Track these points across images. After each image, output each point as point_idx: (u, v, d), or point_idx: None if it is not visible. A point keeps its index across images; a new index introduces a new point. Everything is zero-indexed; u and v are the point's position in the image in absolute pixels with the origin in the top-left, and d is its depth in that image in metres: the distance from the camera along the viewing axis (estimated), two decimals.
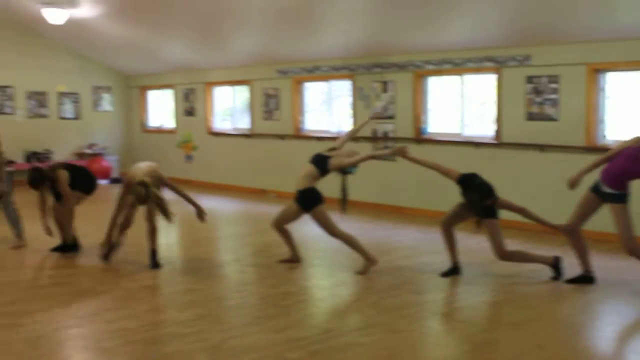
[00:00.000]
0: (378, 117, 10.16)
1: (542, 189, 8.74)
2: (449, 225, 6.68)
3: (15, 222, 8.02)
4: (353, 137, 7.54)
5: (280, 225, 7.06)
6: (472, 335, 5.14)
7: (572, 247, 6.45)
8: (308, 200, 6.79)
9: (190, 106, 14.54)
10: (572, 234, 6.37)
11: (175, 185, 7.36)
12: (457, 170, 6.55)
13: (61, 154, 14.86)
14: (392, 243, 8.37)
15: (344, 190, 7.11)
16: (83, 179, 7.83)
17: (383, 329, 5.17)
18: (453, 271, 6.68)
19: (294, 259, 7.16)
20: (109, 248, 7.25)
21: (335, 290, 6.37)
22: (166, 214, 6.90)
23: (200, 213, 7.36)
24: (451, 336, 5.27)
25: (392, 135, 10.62)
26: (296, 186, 6.86)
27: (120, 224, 7.20)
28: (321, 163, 6.81)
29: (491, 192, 6.32)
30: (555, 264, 6.55)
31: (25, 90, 14.55)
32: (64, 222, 7.64)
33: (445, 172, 6.58)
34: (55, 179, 7.45)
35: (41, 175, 7.48)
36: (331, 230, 6.86)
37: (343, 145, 7.19)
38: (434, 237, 8.27)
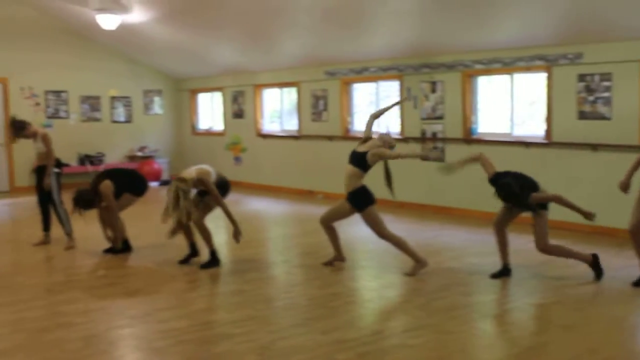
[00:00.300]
0: (404, 100, 10.06)
1: (595, 189, 8.58)
2: (501, 226, 6.60)
3: (64, 221, 8.21)
4: (377, 118, 7.44)
5: (328, 222, 7.03)
6: (522, 338, 5.08)
7: (636, 248, 6.30)
8: (360, 200, 6.77)
9: (239, 108, 14.67)
10: (637, 234, 6.22)
11: (219, 197, 7.14)
12: (494, 168, 6.50)
13: (113, 156, 15.18)
14: (439, 244, 8.32)
15: (387, 173, 7.03)
16: (132, 181, 7.96)
17: (432, 331, 5.14)
18: (503, 272, 6.61)
19: (337, 259, 7.14)
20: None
21: (383, 291, 6.36)
22: (188, 214, 6.93)
23: (236, 233, 7.16)
24: (501, 338, 5.20)
25: (440, 136, 10.55)
26: (345, 189, 6.84)
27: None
28: (360, 161, 6.77)
29: (514, 192, 6.22)
30: (594, 262, 6.46)
31: (79, 95, 14.89)
32: (114, 225, 7.78)
33: (484, 166, 6.54)
34: (99, 194, 7.60)
35: (89, 198, 7.64)
36: (381, 231, 6.83)
37: (370, 131, 7.11)
38: (482, 238, 8.22)
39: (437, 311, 5.60)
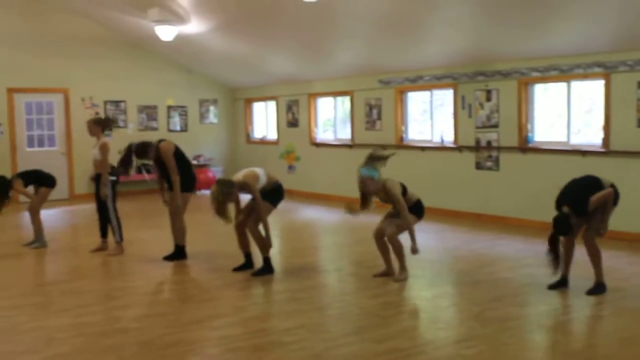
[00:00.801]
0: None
1: None
2: (572, 236, 6.45)
3: (115, 228, 8.42)
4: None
5: (381, 237, 7.02)
6: (579, 351, 4.99)
7: None
8: (415, 214, 6.87)
9: (293, 117, 14.77)
10: None
11: (259, 203, 7.08)
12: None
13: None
14: (494, 254, 8.22)
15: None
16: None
17: (486, 342, 5.08)
18: (561, 283, 6.48)
19: (387, 273, 7.08)
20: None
21: (436, 301, 6.31)
22: (228, 217, 6.99)
23: (266, 245, 7.24)
24: (557, 351, 5.10)
25: (495, 145, 10.44)
26: None
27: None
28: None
29: (565, 225, 6.16)
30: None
31: (136, 104, 15.21)
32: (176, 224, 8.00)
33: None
34: (159, 150, 7.89)
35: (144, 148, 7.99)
36: (395, 234, 6.88)
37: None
38: (538, 248, 8.07)
39: (492, 322, 5.54)
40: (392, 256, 6.99)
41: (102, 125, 8.53)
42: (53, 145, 14.32)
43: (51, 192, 9.00)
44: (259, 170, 7.25)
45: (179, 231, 8.04)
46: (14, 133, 13.76)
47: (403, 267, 6.95)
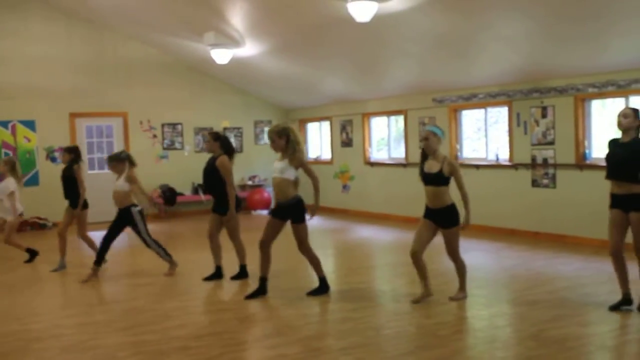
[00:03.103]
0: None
1: None
2: (619, 252, 6.31)
3: (162, 253, 8.67)
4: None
5: (422, 252, 6.80)
6: None
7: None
8: (455, 218, 6.75)
9: (347, 137, 14.83)
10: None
11: None
12: None
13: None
14: (552, 272, 8.09)
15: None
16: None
17: None
18: (623, 302, 6.32)
19: (426, 294, 6.86)
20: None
21: (493, 320, 6.23)
22: None
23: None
24: None
25: (551, 162, 10.30)
26: (433, 205, 6.76)
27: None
28: (440, 179, 6.67)
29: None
30: None
31: (193, 127, 15.48)
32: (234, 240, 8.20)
33: None
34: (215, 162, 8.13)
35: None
36: (457, 252, 6.78)
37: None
38: (598, 267, 7.95)
39: (550, 342, 5.45)
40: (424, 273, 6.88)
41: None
42: None
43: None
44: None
45: (240, 251, 8.20)
46: None
47: (463, 286, 6.89)
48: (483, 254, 9.48)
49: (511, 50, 9.73)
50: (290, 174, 7.07)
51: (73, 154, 9.34)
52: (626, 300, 6.32)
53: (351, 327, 6.04)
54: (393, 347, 5.52)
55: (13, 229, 9.59)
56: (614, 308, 6.29)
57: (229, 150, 8.21)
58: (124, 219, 8.46)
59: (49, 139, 13.95)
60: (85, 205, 9.24)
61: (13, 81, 13.58)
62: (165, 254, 8.62)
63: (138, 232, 8.50)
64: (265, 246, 7.13)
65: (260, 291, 7.22)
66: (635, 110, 6.17)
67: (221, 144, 8.20)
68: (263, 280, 7.24)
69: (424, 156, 6.84)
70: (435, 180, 6.66)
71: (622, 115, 6.18)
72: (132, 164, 8.61)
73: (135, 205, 8.52)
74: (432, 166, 6.72)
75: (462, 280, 6.92)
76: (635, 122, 6.14)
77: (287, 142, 7.05)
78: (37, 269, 9.42)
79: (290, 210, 7.06)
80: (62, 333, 6.10)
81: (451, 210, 6.71)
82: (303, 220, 7.08)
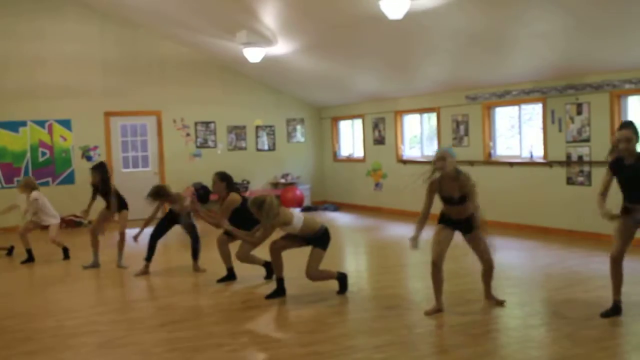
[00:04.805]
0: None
1: None
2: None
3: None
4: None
5: (443, 259, 6.68)
6: None
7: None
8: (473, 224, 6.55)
9: (380, 135, 14.80)
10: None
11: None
12: None
13: (257, 184, 15.76)
14: (588, 272, 7.99)
15: None
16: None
17: None
18: (614, 310, 6.16)
19: (439, 309, 6.44)
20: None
21: (527, 319, 6.18)
22: None
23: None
24: None
25: (587, 159, 10.17)
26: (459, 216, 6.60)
27: None
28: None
29: None
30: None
31: (226, 125, 15.57)
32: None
33: None
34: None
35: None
36: (487, 250, 6.55)
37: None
38: (633, 266, 7.82)
39: (586, 341, 5.38)
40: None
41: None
42: (146, 166, 14.82)
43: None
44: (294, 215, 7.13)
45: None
46: (110, 155, 14.32)
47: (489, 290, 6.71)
48: (517, 253, 9.39)
49: (545, 46, 9.62)
50: (294, 227, 7.03)
51: (102, 169, 9.43)
52: (616, 308, 6.12)
53: (384, 326, 6.04)
54: (426, 346, 5.50)
55: (57, 233, 10.14)
56: (606, 315, 6.06)
57: (234, 189, 8.26)
58: (175, 219, 8.81)
59: (84, 138, 14.13)
60: (122, 207, 9.40)
61: (49, 81, 13.78)
62: (197, 255, 8.78)
63: (192, 225, 8.78)
64: (276, 251, 7.20)
65: (280, 292, 7.23)
66: (634, 128, 5.94)
67: (227, 185, 8.25)
68: (280, 281, 7.26)
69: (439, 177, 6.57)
70: (458, 202, 6.48)
71: (625, 140, 5.90)
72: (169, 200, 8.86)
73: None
74: (452, 190, 6.49)
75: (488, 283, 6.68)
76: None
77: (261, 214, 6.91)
78: (71, 266, 9.55)
79: (314, 239, 7.12)
80: (97, 329, 6.18)
81: (473, 215, 6.52)
82: (324, 248, 7.13)
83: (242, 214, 7.81)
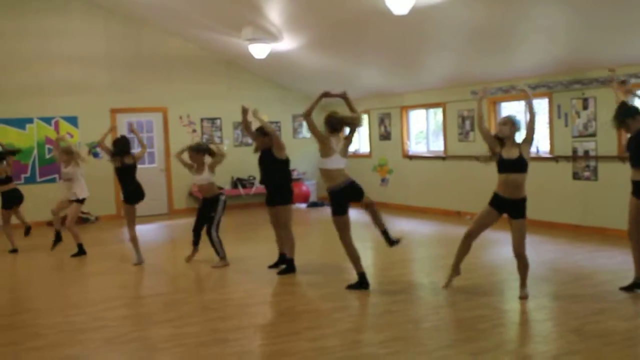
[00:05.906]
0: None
1: None
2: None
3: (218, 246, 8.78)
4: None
5: (476, 236, 6.82)
6: None
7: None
8: (525, 209, 6.58)
9: (385, 130, 14.79)
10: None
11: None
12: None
13: None
14: (594, 266, 7.99)
15: None
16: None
17: (586, 357, 4.94)
18: (635, 286, 6.23)
19: (455, 274, 7.02)
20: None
21: (534, 314, 6.18)
22: None
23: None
24: None
25: (593, 154, 10.15)
26: (512, 196, 6.58)
27: None
28: (524, 165, 6.56)
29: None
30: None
31: (232, 121, 15.58)
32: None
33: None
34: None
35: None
36: (523, 247, 6.56)
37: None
38: None
39: (592, 336, 5.39)
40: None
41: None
42: (153, 163, 14.86)
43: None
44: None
45: (288, 244, 8.27)
46: None
47: (525, 283, 6.68)
48: None
49: (551, 40, 9.60)
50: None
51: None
52: (636, 284, 6.36)
53: (390, 320, 6.05)
54: (432, 341, 5.51)
55: (75, 216, 9.83)
56: (626, 289, 6.38)
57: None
58: (211, 206, 8.78)
59: (91, 135, 14.15)
60: (129, 200, 9.20)
61: (55, 78, 13.82)
62: (221, 248, 8.74)
63: (211, 219, 8.72)
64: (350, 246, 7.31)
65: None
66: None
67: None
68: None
69: (500, 142, 6.64)
70: (517, 166, 6.47)
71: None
72: (211, 154, 9.01)
73: (223, 194, 8.89)
74: (511, 152, 6.53)
75: (525, 278, 6.64)
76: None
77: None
78: (79, 262, 9.58)
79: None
80: (104, 325, 6.21)
81: (524, 202, 6.53)
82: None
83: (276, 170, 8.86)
